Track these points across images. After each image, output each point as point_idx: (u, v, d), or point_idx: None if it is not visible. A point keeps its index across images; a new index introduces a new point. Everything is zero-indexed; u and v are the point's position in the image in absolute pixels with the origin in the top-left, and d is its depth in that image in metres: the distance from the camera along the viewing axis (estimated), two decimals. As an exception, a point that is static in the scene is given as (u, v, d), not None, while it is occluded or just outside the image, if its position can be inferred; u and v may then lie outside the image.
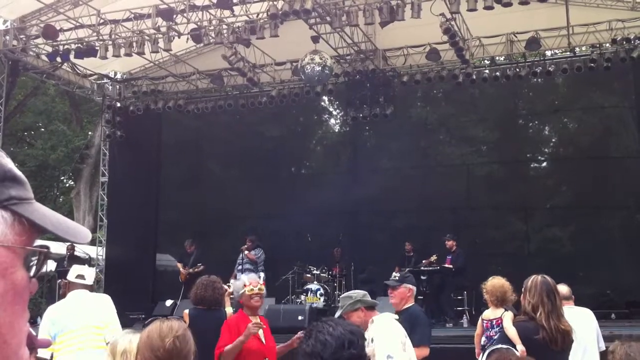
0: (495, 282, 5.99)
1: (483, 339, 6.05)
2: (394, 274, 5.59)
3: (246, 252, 13.16)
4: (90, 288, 5.55)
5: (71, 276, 5.46)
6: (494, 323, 5.85)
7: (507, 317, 5.47)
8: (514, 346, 4.45)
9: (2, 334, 0.84)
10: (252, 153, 17.42)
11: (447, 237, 13.08)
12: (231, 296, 5.37)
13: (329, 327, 2.17)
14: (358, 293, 4.80)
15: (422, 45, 14.03)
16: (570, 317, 4.63)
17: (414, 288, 5.56)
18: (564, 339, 4.21)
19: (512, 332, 4.61)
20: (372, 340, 4.44)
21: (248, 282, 5.08)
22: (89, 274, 5.56)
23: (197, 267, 13.54)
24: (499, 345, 3.89)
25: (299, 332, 4.92)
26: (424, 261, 13.01)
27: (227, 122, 17.70)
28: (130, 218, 16.30)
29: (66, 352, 5.01)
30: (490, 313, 6.02)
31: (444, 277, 12.89)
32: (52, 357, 4.73)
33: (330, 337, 2.10)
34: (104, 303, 5.46)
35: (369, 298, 4.78)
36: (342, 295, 4.90)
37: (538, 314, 4.21)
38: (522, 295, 4.47)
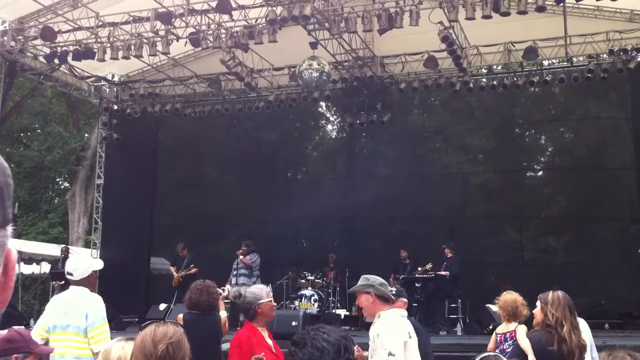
0: (508, 298, 6.05)
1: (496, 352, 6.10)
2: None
3: (241, 257, 13.12)
4: (76, 282, 4.88)
5: None
6: (508, 336, 5.90)
7: (521, 330, 5.55)
8: (526, 358, 4.47)
9: None
10: (248, 157, 17.39)
11: (446, 246, 13.04)
12: (237, 300, 5.03)
13: (323, 333, 2.14)
14: (376, 279, 4.64)
15: (420, 53, 14.08)
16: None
17: (407, 301, 5.62)
18: (581, 353, 4.25)
19: (524, 343, 4.62)
20: (377, 336, 4.39)
21: (270, 293, 4.95)
22: (72, 267, 4.92)
23: (190, 269, 13.48)
24: (488, 353, 3.89)
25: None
26: (419, 268, 12.97)
27: (224, 126, 17.68)
28: (125, 221, 16.26)
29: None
30: (503, 327, 6.08)
31: (438, 285, 12.86)
32: None
33: (327, 344, 2.08)
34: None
35: (385, 289, 4.63)
36: (363, 275, 4.75)
37: (563, 328, 4.22)
38: (539, 308, 4.46)
